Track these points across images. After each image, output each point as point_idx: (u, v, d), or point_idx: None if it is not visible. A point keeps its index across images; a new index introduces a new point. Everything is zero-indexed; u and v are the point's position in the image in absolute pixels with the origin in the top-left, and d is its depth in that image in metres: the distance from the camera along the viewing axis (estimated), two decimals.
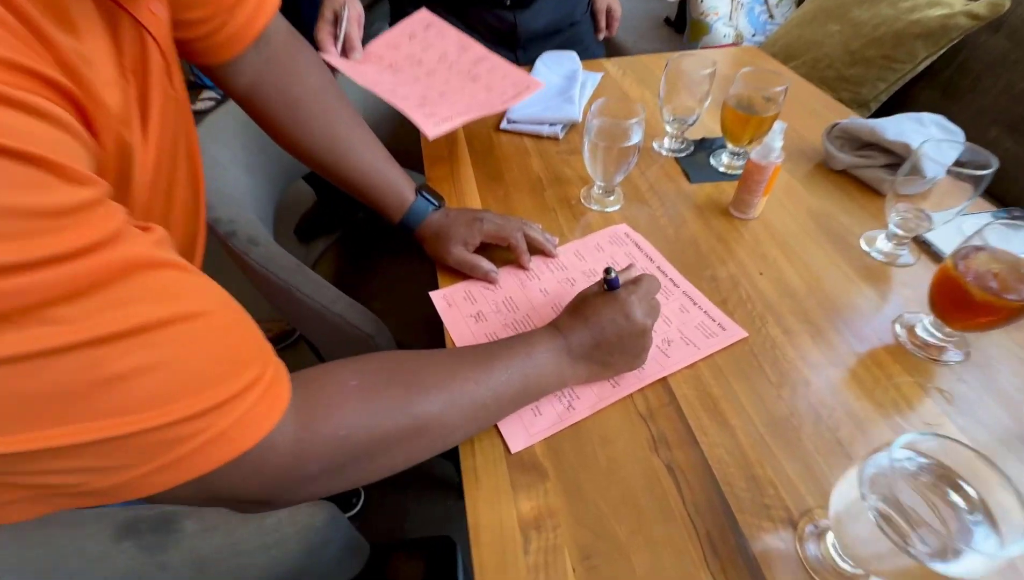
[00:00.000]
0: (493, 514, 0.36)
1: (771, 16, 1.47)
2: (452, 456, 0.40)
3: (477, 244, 0.53)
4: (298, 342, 1.31)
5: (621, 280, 0.43)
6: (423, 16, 0.73)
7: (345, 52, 0.66)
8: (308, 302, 0.65)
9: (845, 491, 0.29)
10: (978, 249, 0.41)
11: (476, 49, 0.71)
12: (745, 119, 0.61)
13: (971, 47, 1.09)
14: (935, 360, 0.45)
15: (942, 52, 1.08)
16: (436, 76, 0.70)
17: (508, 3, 0.90)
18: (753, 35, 1.45)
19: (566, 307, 0.44)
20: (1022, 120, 1.01)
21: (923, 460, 0.29)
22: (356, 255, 1.05)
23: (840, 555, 0.33)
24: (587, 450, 0.39)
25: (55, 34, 0.23)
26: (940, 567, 0.25)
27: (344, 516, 0.54)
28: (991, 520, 0.26)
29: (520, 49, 0.97)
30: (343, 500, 1.04)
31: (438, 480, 1.06)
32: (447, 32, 0.73)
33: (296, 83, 0.50)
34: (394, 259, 0.95)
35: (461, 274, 0.53)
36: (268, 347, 0.29)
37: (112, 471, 0.23)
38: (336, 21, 0.65)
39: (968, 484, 0.28)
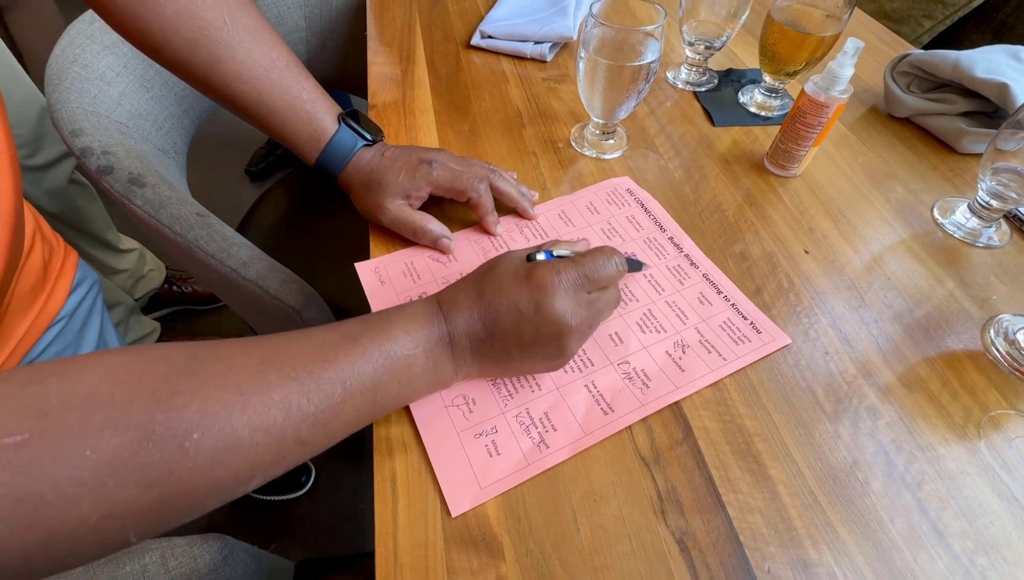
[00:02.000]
0: None
1: None
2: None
3: (424, 198, 0.38)
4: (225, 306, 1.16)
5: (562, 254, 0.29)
6: None
7: None
8: (214, 265, 0.50)
9: None
10: None
11: None
12: (800, 39, 0.46)
13: None
14: None
15: None
16: None
17: None
18: None
19: (468, 274, 0.30)
20: None
21: None
22: (308, 201, 0.88)
23: None
24: (564, 514, 0.27)
25: None
26: None
27: (243, 545, 0.41)
28: None
29: None
30: (292, 477, 0.93)
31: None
32: None
33: None
34: (352, 208, 0.79)
35: (402, 239, 0.39)
36: None
37: None
38: None
39: None
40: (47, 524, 0.17)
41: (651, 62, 0.40)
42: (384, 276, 0.37)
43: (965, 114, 0.49)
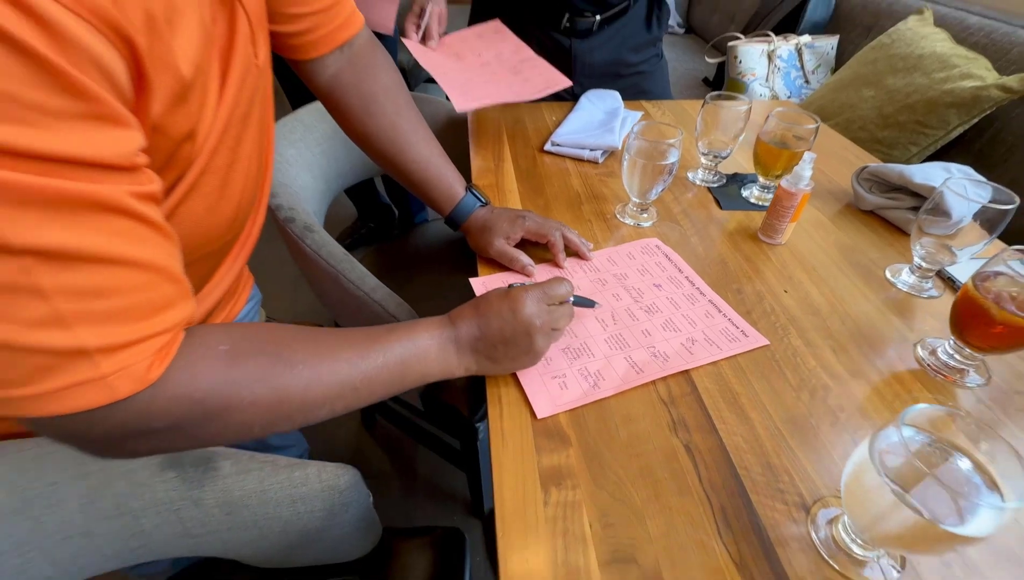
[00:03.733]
0: (516, 469, 0.38)
1: (807, 81, 1.54)
2: (461, 433, 0.42)
3: (518, 239, 0.57)
4: None
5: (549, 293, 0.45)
6: (495, 23, 0.84)
7: (424, 40, 0.77)
8: (351, 289, 0.70)
9: (857, 462, 0.30)
10: (998, 274, 0.43)
11: (526, 52, 0.81)
12: (777, 152, 0.65)
13: (1004, 118, 1.12)
14: (956, 383, 0.46)
15: (974, 122, 1.12)
16: (487, 68, 0.79)
17: (563, 27, 0.96)
18: (788, 96, 1.52)
19: (471, 300, 0.46)
20: None
21: (927, 436, 0.30)
22: (391, 266, 1.10)
23: (851, 537, 0.34)
24: (609, 425, 0.41)
25: (171, 15, 0.28)
26: (951, 528, 0.26)
27: (365, 485, 0.56)
28: (993, 484, 0.27)
29: (577, 83, 1.03)
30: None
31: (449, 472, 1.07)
32: (508, 36, 0.83)
33: (371, 81, 0.56)
34: (427, 274, 1.00)
35: (500, 266, 0.57)
36: (188, 306, 0.31)
37: (9, 385, 0.25)
38: (421, 14, 0.76)
39: (971, 453, 0.29)
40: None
41: (672, 162, 0.60)
42: (488, 287, 0.55)
43: (913, 208, 0.65)
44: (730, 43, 1.51)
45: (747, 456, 0.39)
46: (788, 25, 1.62)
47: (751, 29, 1.72)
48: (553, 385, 0.44)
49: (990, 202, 0.51)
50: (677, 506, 0.36)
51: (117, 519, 0.46)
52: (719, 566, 0.33)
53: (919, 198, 0.65)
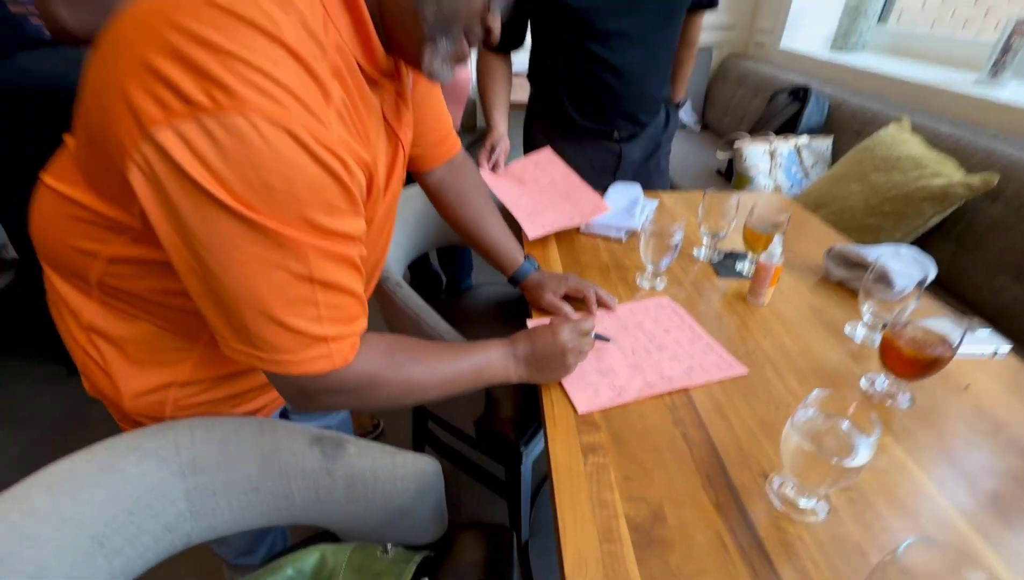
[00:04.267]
0: (564, 441, 0.56)
1: (806, 175, 1.77)
2: (506, 458, 0.61)
3: (562, 294, 0.78)
4: (380, 436, 1.54)
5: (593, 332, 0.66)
6: (547, 152, 1.10)
7: (493, 168, 1.03)
8: (429, 331, 0.91)
9: (786, 433, 0.48)
10: (907, 324, 0.61)
11: (574, 178, 1.05)
12: (759, 235, 0.86)
13: (975, 211, 1.31)
14: (890, 405, 0.62)
15: (948, 213, 1.30)
16: (545, 194, 1.03)
17: (616, 137, 1.23)
18: (790, 187, 1.75)
19: (526, 329, 0.66)
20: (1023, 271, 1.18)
21: (823, 412, 0.48)
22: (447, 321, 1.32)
23: (795, 493, 0.50)
24: (630, 418, 0.59)
25: (373, 144, 0.52)
26: (844, 462, 0.43)
27: (442, 476, 0.73)
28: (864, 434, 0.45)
29: (618, 176, 1.28)
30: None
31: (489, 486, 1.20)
32: (558, 164, 1.08)
33: (462, 182, 0.81)
34: (476, 328, 1.20)
35: (548, 313, 0.78)
36: (364, 320, 0.52)
37: (271, 349, 0.46)
38: (492, 150, 1.03)
39: (849, 421, 0.46)
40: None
41: (676, 241, 0.80)
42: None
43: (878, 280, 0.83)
44: (736, 143, 1.77)
45: (726, 442, 0.56)
46: (789, 127, 1.88)
47: (757, 130, 1.99)
48: (589, 392, 0.62)
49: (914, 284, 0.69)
50: (675, 470, 0.53)
51: (279, 480, 0.64)
52: (704, 506, 0.50)
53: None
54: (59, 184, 0.53)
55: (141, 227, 0.47)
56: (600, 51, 1.08)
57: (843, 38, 2.17)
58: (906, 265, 0.80)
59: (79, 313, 0.57)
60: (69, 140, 0.53)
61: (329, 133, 0.41)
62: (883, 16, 2.27)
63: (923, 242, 1.39)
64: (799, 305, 0.82)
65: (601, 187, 1.13)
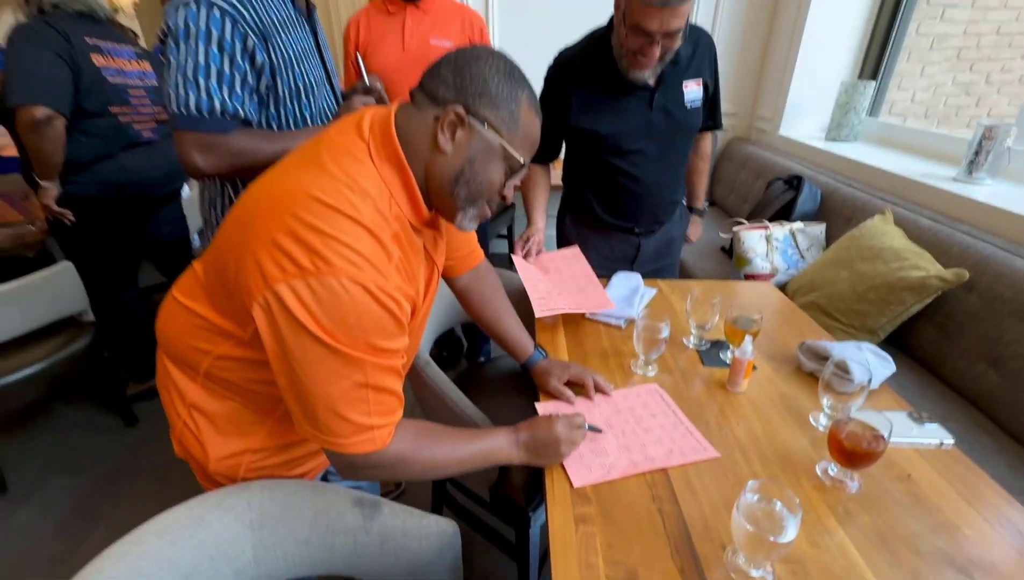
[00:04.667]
0: (561, 511, 0.69)
1: (802, 257, 1.91)
2: (517, 522, 0.74)
3: (565, 380, 0.92)
4: (402, 495, 1.66)
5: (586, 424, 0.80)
6: (574, 250, 1.31)
7: (525, 256, 1.24)
8: (453, 407, 1.05)
9: (734, 514, 0.60)
10: (850, 420, 0.73)
11: (591, 276, 1.24)
12: (737, 331, 1.00)
13: (954, 300, 1.42)
14: (840, 489, 0.73)
15: (927, 302, 1.42)
16: (563, 284, 1.22)
17: (637, 232, 1.42)
18: (787, 269, 1.89)
19: (530, 419, 0.80)
20: (1000, 358, 1.28)
21: (762, 497, 0.60)
22: (470, 390, 1.47)
23: (746, 564, 0.61)
24: (616, 493, 0.72)
25: (416, 276, 0.69)
26: (777, 538, 0.55)
27: (460, 539, 0.85)
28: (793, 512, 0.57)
29: (636, 265, 1.47)
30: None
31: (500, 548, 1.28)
32: (581, 262, 1.27)
33: (484, 285, 0.99)
34: (495, 396, 1.34)
35: (553, 397, 0.92)
36: (401, 411, 0.67)
37: (332, 434, 0.62)
38: (528, 240, 1.25)
39: (781, 503, 0.58)
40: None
41: (663, 336, 0.95)
42: (547, 410, 0.88)
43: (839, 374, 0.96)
44: (734, 228, 1.94)
45: (694, 517, 0.68)
46: (785, 212, 2.05)
47: (756, 214, 2.16)
48: (584, 469, 0.76)
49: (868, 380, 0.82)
50: (650, 539, 0.65)
51: (325, 535, 0.78)
52: (671, 571, 0.61)
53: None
54: (185, 299, 0.71)
55: (248, 338, 0.65)
56: (623, 165, 1.30)
57: (836, 129, 2.37)
58: (865, 361, 0.93)
59: (185, 393, 0.74)
60: (198, 266, 0.72)
61: (389, 282, 0.59)
62: (874, 109, 2.47)
63: (909, 327, 1.50)
64: (772, 394, 0.94)
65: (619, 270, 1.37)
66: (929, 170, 1.88)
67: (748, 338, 0.91)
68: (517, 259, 1.24)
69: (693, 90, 1.23)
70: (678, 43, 1.09)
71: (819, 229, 1.93)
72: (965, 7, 2.63)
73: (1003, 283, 1.31)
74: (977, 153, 1.68)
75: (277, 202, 0.58)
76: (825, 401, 0.85)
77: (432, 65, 0.64)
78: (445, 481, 1.34)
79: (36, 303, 1.52)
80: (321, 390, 0.60)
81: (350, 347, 0.58)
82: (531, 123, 0.66)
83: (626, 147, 1.26)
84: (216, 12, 0.84)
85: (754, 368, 1.00)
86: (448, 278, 0.99)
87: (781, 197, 2.09)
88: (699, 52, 1.24)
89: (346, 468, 0.68)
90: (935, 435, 0.84)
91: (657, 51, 1.09)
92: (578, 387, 0.93)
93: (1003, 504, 0.72)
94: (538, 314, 1.10)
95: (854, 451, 0.70)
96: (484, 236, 2.06)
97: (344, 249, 0.56)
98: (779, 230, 1.91)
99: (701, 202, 1.59)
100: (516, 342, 0.99)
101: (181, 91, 0.85)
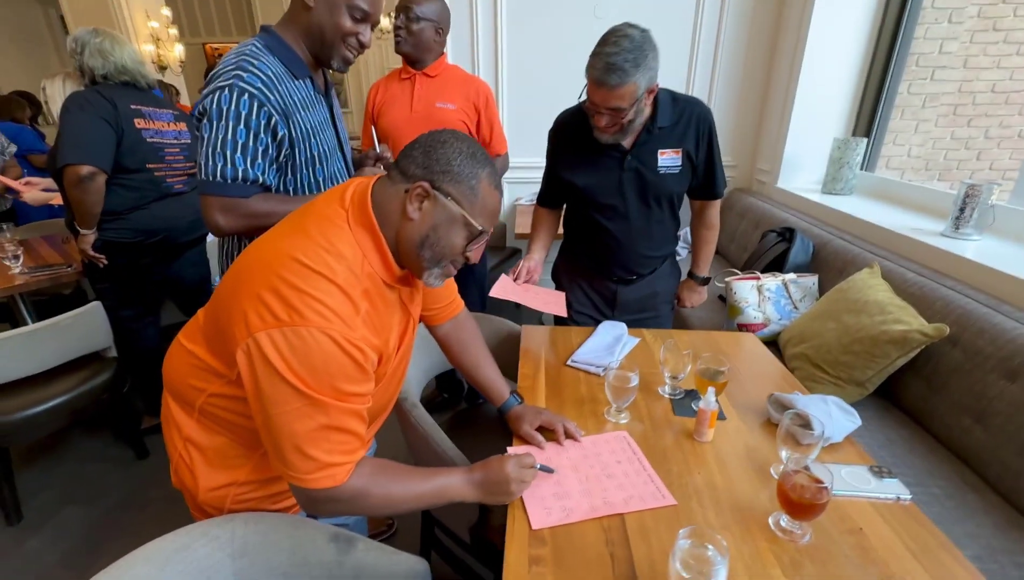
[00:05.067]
0: (517, 551, 0.73)
1: (795, 307, 1.94)
2: (496, 564, 0.78)
3: (537, 426, 0.97)
4: (394, 535, 1.70)
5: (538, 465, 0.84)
6: (560, 292, 1.44)
7: (515, 279, 1.38)
8: (435, 447, 1.11)
9: (671, 562, 0.64)
10: (796, 472, 0.77)
11: (558, 294, 1.38)
12: (704, 381, 1.04)
13: (939, 354, 1.44)
14: (793, 539, 0.76)
15: (912, 356, 1.44)
16: (531, 296, 1.34)
17: (614, 279, 1.51)
18: (779, 319, 1.92)
19: (485, 459, 0.85)
20: (984, 413, 1.28)
21: (695, 542, 0.64)
22: (462, 429, 1.52)
23: None
24: (572, 536, 0.76)
25: (387, 327, 0.77)
26: None
27: (430, 577, 0.89)
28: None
29: (616, 312, 1.53)
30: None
31: None
32: (558, 295, 1.40)
33: (465, 334, 1.07)
34: (485, 436, 1.39)
35: (524, 441, 0.97)
36: (363, 451, 0.73)
37: (296, 470, 0.69)
38: (520, 274, 1.38)
39: (712, 546, 0.62)
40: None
41: (634, 384, 1.00)
42: (520, 451, 0.94)
43: (800, 425, 0.99)
44: (726, 278, 1.99)
45: (643, 562, 0.72)
46: (778, 263, 2.10)
47: (750, 264, 2.21)
48: (543, 511, 0.80)
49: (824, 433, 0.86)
50: None
51: (302, 567, 0.83)
52: None
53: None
54: (187, 342, 0.81)
55: (235, 378, 0.73)
56: (599, 217, 1.41)
57: (831, 183, 2.44)
58: (828, 414, 0.97)
59: (182, 427, 0.82)
60: (200, 314, 0.82)
61: (355, 334, 0.68)
62: (869, 164, 2.54)
63: (897, 381, 1.51)
64: (737, 445, 0.98)
65: (602, 317, 1.49)
66: (920, 224, 1.92)
67: (711, 390, 0.96)
68: (504, 279, 1.36)
69: (669, 157, 1.33)
70: (629, 117, 1.20)
71: (812, 281, 1.97)
72: (956, 68, 2.72)
73: (985, 338, 1.33)
74: (962, 210, 1.73)
75: (265, 263, 0.68)
76: (783, 452, 0.88)
77: (406, 146, 0.75)
78: (432, 524, 1.37)
79: (66, 340, 1.64)
80: (288, 428, 0.67)
81: (316, 391, 0.66)
82: (490, 196, 0.75)
83: (600, 200, 1.38)
84: (245, 97, 0.98)
85: (721, 418, 1.04)
86: (430, 326, 1.07)
87: (774, 248, 2.14)
88: (683, 123, 1.33)
89: (307, 502, 0.75)
90: (892, 490, 0.86)
91: (604, 120, 1.20)
92: (550, 432, 0.99)
93: (951, 562, 0.73)
94: (493, 292, 1.27)
95: (799, 502, 0.73)
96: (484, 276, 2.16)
97: (316, 304, 0.65)
98: (771, 281, 1.95)
99: (703, 270, 1.62)
100: (492, 387, 1.05)
101: (210, 162, 0.99)
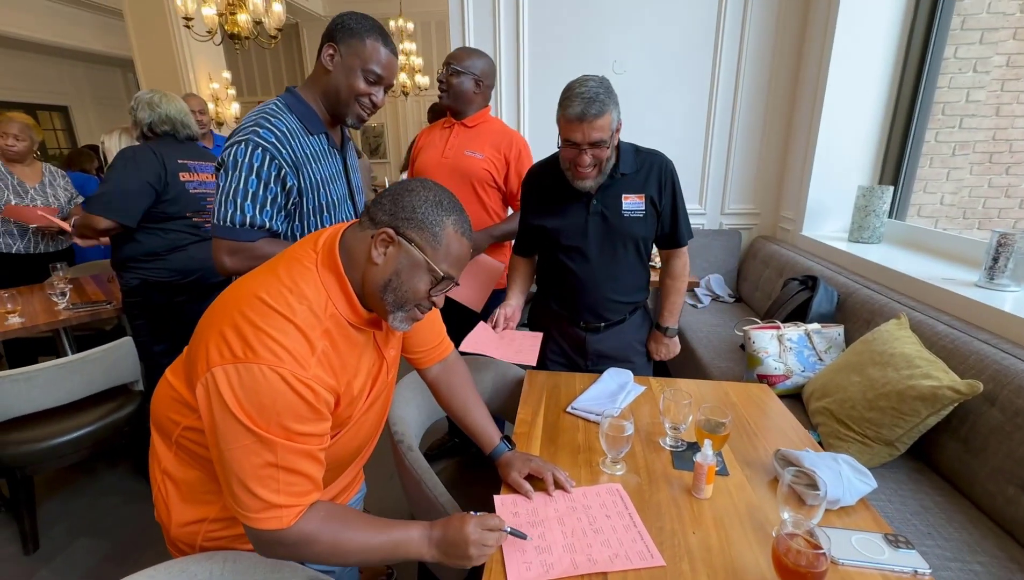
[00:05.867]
0: None
1: (820, 359, 1.85)
2: None
3: (526, 474, 0.95)
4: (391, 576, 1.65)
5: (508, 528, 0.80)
6: (537, 334, 1.39)
7: (494, 326, 1.38)
8: (428, 492, 1.09)
9: None
10: (794, 535, 0.71)
11: (535, 341, 1.36)
12: (703, 434, 0.99)
13: (976, 413, 1.33)
14: None
15: (944, 414, 1.33)
16: (505, 344, 1.35)
17: (582, 325, 1.49)
18: (803, 371, 1.83)
19: (447, 516, 0.80)
20: None
21: None
22: (464, 474, 1.49)
23: None
24: None
25: (350, 369, 0.77)
26: None
27: None
28: None
29: (588, 361, 1.51)
30: None
31: None
32: (534, 337, 1.39)
33: (454, 377, 1.07)
34: (483, 484, 1.36)
35: (513, 488, 0.94)
36: (316, 495, 0.72)
37: (243, 507, 0.68)
38: (499, 322, 1.39)
39: None
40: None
41: (629, 434, 0.97)
42: (504, 504, 0.91)
43: (807, 485, 0.92)
44: (744, 327, 1.93)
45: None
46: (801, 312, 2.02)
47: (771, 312, 2.14)
48: (523, 566, 0.77)
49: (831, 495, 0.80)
50: None
51: None
52: None
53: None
54: (171, 376, 0.84)
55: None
56: (565, 259, 1.44)
57: (858, 231, 2.37)
58: (838, 474, 0.90)
59: (161, 460, 0.84)
60: (186, 350, 0.86)
61: (307, 373, 0.69)
62: (898, 212, 2.47)
63: (931, 440, 1.41)
64: (738, 503, 0.92)
65: (575, 365, 1.50)
66: (952, 274, 1.83)
67: (708, 443, 0.92)
68: (481, 326, 1.36)
69: (632, 202, 1.37)
70: (608, 152, 1.25)
71: (836, 331, 1.88)
72: (988, 116, 2.66)
73: None
74: (995, 259, 1.64)
75: (234, 301, 0.72)
76: (785, 513, 0.82)
77: (378, 195, 0.79)
78: (430, 575, 1.32)
79: (95, 372, 1.73)
80: (237, 465, 0.68)
81: (264, 428, 0.67)
82: (455, 243, 0.77)
83: (565, 242, 1.41)
84: (259, 150, 1.07)
85: (722, 473, 0.99)
86: (418, 369, 1.08)
87: (796, 297, 2.07)
88: (644, 171, 1.38)
89: (256, 543, 0.74)
90: (909, 562, 0.78)
91: (587, 159, 1.24)
92: (539, 481, 0.95)
93: None
94: (463, 346, 1.25)
95: (794, 569, 0.68)
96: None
97: (270, 342, 0.67)
98: (793, 331, 1.88)
99: (669, 321, 1.54)
100: (482, 433, 1.03)
101: (222, 208, 1.07)
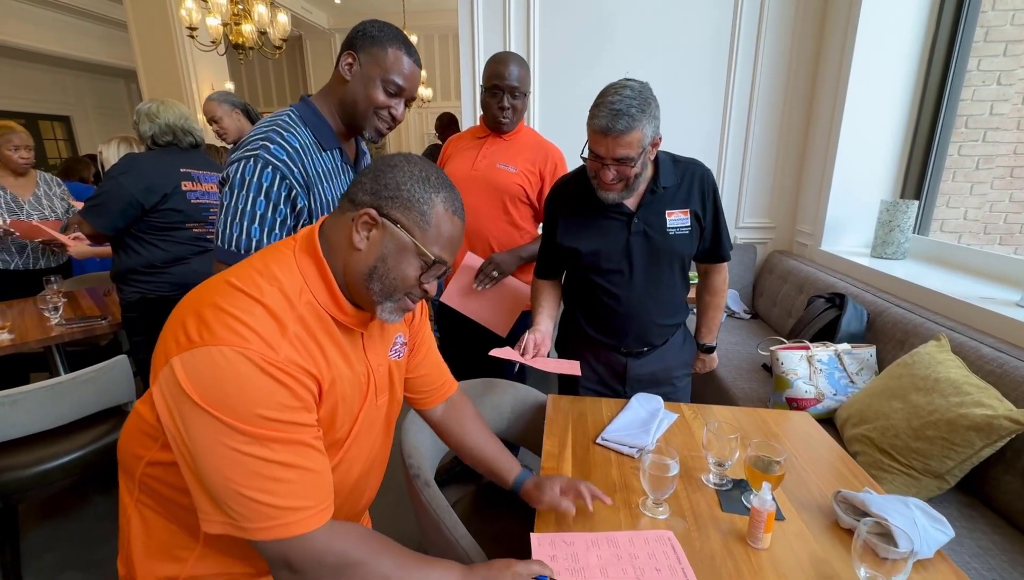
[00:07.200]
0: None
1: (852, 381, 1.76)
2: None
3: (559, 492, 0.86)
4: None
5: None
6: (574, 361, 1.30)
7: (523, 354, 1.25)
8: (447, 533, 0.99)
9: None
10: None
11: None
12: (757, 474, 0.90)
13: None
14: None
15: (1000, 445, 1.24)
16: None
17: (623, 351, 1.39)
18: (834, 394, 1.74)
19: (487, 561, 0.73)
20: None
21: None
22: (482, 506, 1.38)
23: None
24: None
25: (326, 358, 0.67)
26: None
27: None
28: None
29: (628, 386, 1.41)
30: None
31: None
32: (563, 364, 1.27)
33: (460, 415, 0.99)
34: (503, 519, 1.26)
35: (550, 507, 0.86)
36: (330, 498, 0.63)
37: (242, 518, 0.58)
38: (527, 348, 1.26)
39: None
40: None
41: (675, 474, 0.87)
42: (542, 543, 0.81)
43: (879, 535, 0.83)
44: (771, 347, 1.84)
45: None
46: (828, 331, 1.93)
47: (796, 331, 2.05)
48: None
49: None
50: None
51: None
52: None
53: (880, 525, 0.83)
54: (140, 406, 0.72)
55: (165, 436, 0.64)
56: (604, 283, 1.32)
57: (881, 247, 2.30)
58: (912, 521, 0.81)
59: (125, 508, 0.74)
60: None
61: (278, 354, 0.60)
62: (921, 227, 2.40)
63: (984, 474, 1.31)
64: (800, 553, 0.82)
65: (612, 391, 1.37)
66: (988, 292, 1.75)
67: (766, 485, 0.82)
68: (507, 350, 1.27)
69: (677, 218, 1.26)
70: (636, 170, 1.15)
71: (868, 352, 1.79)
72: (1010, 129, 2.60)
73: None
74: None
75: (200, 289, 0.65)
76: (861, 571, 0.73)
77: (359, 173, 0.71)
78: None
79: (87, 393, 1.63)
80: (216, 468, 0.58)
81: (237, 419, 0.57)
82: (445, 222, 0.69)
83: (605, 265, 1.29)
84: (269, 169, 0.98)
85: (778, 518, 0.89)
86: (421, 412, 0.99)
87: (823, 315, 1.99)
88: (686, 183, 1.28)
89: (284, 567, 0.62)
90: None
91: (610, 174, 1.15)
92: (575, 523, 0.86)
93: None
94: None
95: None
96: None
97: (233, 322, 0.59)
98: (823, 351, 1.79)
99: (709, 338, 1.50)
100: (501, 468, 0.95)
101: (227, 230, 0.98)
